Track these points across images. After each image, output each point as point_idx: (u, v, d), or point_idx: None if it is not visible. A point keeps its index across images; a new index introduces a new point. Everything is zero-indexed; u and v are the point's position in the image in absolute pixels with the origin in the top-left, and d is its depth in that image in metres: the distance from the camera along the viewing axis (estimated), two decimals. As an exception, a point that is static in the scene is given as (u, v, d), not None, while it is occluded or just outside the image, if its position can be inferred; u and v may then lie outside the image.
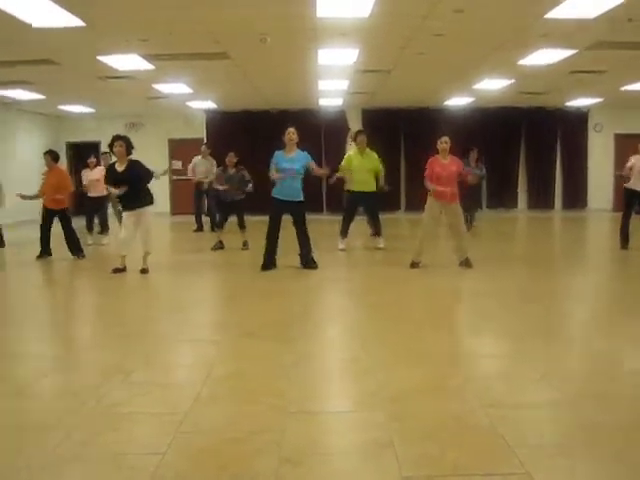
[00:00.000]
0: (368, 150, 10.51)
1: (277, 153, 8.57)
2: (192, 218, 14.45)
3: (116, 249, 8.84)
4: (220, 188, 10.77)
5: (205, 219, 14.17)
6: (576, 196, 18.66)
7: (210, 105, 17.07)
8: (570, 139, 18.58)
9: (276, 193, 8.52)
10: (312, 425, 3.46)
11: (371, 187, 10.43)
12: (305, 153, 8.61)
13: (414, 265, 8.66)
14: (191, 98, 15.38)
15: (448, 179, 8.45)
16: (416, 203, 17.69)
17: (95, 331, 5.97)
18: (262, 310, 6.42)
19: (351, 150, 10.77)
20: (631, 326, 5.69)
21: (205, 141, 17.05)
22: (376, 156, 10.53)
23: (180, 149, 18.32)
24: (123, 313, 6.48)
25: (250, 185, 10.78)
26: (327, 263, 8.91)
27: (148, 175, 8.54)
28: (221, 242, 10.89)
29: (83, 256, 10.04)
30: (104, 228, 12.31)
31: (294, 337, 5.25)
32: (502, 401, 3.74)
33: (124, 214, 8.63)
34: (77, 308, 7.25)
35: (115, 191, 8.39)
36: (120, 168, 8.39)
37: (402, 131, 18.18)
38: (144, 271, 8.54)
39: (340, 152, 16.91)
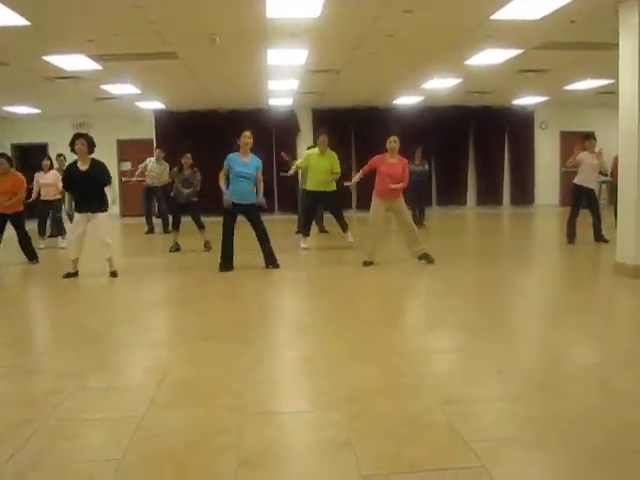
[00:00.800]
0: (329, 150, 10.53)
1: (231, 156, 8.51)
2: (142, 220, 14.29)
3: (68, 253, 8.65)
4: (184, 191, 10.63)
5: (156, 221, 14.01)
6: (524, 192, 19.05)
7: (159, 105, 16.90)
8: (517, 137, 18.96)
9: (231, 197, 8.48)
10: (270, 426, 3.46)
11: (330, 187, 10.46)
12: (258, 159, 8.62)
13: (366, 264, 8.72)
14: (139, 98, 15.21)
15: (394, 178, 8.53)
16: (368, 202, 17.91)
17: (48, 337, 5.87)
18: (218, 312, 6.40)
19: (312, 150, 10.71)
20: (584, 320, 5.84)
21: (155, 142, 16.95)
22: (336, 156, 10.55)
23: (129, 149, 18.11)
24: (77, 318, 6.33)
25: (195, 185, 10.70)
26: (283, 263, 8.87)
27: (109, 178, 8.41)
28: (177, 244, 10.77)
29: (37, 261, 9.83)
30: (60, 231, 12.07)
31: (251, 338, 5.24)
32: (458, 397, 3.79)
33: (76, 216, 8.42)
34: (28, 314, 7.05)
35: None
36: (83, 167, 8.18)
37: (352, 130, 18.26)
38: (113, 274, 8.38)
39: (290, 152, 16.99)
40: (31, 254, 9.83)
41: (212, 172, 9.02)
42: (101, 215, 8.28)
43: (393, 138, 8.72)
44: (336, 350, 4.90)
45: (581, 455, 3.01)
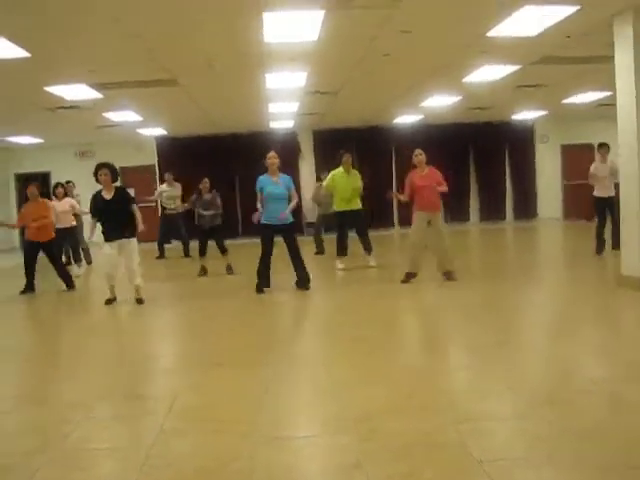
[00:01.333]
0: (352, 170, 10.56)
1: (262, 178, 8.60)
2: (151, 246, 14.24)
3: (106, 280, 8.57)
4: (205, 214, 10.64)
5: (173, 246, 13.97)
6: (526, 206, 19.03)
7: (160, 132, 17.01)
8: (518, 151, 18.98)
9: (266, 220, 8.51)
10: (282, 451, 3.45)
11: (357, 205, 10.47)
12: (288, 177, 8.72)
13: (409, 276, 8.71)
14: (141, 125, 15.29)
15: (429, 190, 8.58)
16: (374, 220, 17.90)
17: (56, 365, 5.82)
18: (230, 337, 6.39)
19: (336, 170, 10.71)
20: (590, 333, 5.87)
21: (157, 168, 17.20)
22: (359, 176, 10.59)
23: (132, 176, 18.16)
24: (87, 346, 6.36)
25: (217, 206, 10.75)
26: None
27: (134, 203, 8.42)
28: (204, 268, 10.74)
29: (73, 287, 9.87)
30: (76, 258, 12.11)
31: (261, 363, 5.24)
32: (469, 415, 3.78)
33: (106, 244, 8.26)
34: (41, 342, 7.01)
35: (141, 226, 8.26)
36: (108, 196, 8.19)
37: (354, 150, 18.26)
38: (139, 301, 8.33)
39: (293, 174, 17.02)
40: (68, 280, 9.92)
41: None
42: (130, 240, 8.24)
43: (418, 151, 8.84)
44: (346, 372, 4.89)
45: (592, 472, 2.99)
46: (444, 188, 8.77)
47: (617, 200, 9.92)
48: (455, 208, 18.66)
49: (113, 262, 8.33)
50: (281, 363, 5.34)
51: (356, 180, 10.48)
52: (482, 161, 18.90)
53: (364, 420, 3.77)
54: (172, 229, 13.93)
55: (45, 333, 7.51)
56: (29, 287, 9.73)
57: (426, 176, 8.67)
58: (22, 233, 11.16)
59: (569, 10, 7.26)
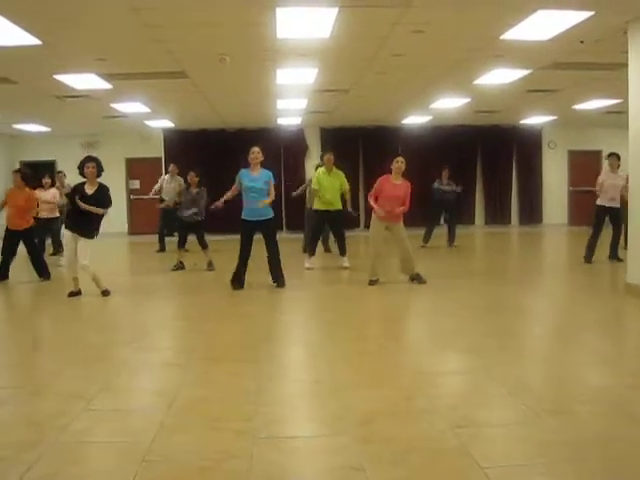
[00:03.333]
0: (335, 169, 10.50)
1: (242, 171, 8.56)
2: (150, 238, 14.18)
3: (67, 272, 8.58)
4: (188, 212, 10.59)
5: (169, 239, 13.86)
6: (532, 211, 18.99)
7: (167, 124, 16.98)
8: (525, 156, 18.92)
9: (245, 215, 8.49)
10: (280, 451, 3.42)
11: (337, 206, 10.40)
12: (268, 172, 8.59)
13: (372, 283, 8.71)
14: (148, 117, 15.27)
15: (395, 199, 8.49)
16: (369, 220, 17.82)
17: (53, 358, 5.76)
18: (226, 332, 6.36)
19: (319, 170, 10.68)
20: (593, 341, 5.80)
21: (164, 160, 17.10)
22: (343, 175, 10.51)
23: (138, 168, 18.16)
24: (82, 338, 6.28)
25: (202, 204, 10.69)
26: (288, 282, 8.80)
27: (109, 203, 8.32)
28: (181, 262, 10.73)
29: (49, 278, 9.74)
30: (59, 249, 12.06)
31: (259, 359, 5.19)
32: (470, 420, 3.75)
33: (65, 232, 8.31)
34: (34, 334, 6.91)
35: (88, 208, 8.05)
36: (90, 190, 8.12)
37: (361, 149, 18.28)
38: (105, 293, 8.28)
39: (299, 170, 17.11)
40: (42, 270, 9.77)
41: (222, 190, 9.01)
42: (84, 239, 8.12)
43: (399, 159, 8.69)
44: (345, 372, 4.85)
45: (596, 483, 2.96)
46: (403, 209, 8.54)
47: (620, 212, 9.98)
48: (460, 210, 18.61)
49: (71, 251, 8.24)
50: (281, 361, 5.32)
51: (337, 180, 10.39)
52: (489, 164, 18.84)
53: (366, 422, 3.74)
54: (170, 221, 13.76)
55: (29, 327, 7.33)
56: (2, 275, 9.59)
57: (397, 186, 8.56)
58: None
59: (583, 15, 7.21)
